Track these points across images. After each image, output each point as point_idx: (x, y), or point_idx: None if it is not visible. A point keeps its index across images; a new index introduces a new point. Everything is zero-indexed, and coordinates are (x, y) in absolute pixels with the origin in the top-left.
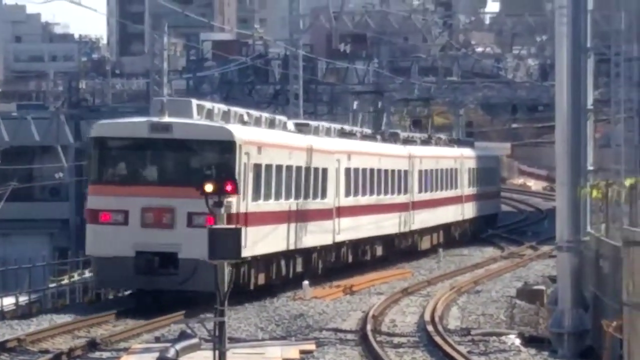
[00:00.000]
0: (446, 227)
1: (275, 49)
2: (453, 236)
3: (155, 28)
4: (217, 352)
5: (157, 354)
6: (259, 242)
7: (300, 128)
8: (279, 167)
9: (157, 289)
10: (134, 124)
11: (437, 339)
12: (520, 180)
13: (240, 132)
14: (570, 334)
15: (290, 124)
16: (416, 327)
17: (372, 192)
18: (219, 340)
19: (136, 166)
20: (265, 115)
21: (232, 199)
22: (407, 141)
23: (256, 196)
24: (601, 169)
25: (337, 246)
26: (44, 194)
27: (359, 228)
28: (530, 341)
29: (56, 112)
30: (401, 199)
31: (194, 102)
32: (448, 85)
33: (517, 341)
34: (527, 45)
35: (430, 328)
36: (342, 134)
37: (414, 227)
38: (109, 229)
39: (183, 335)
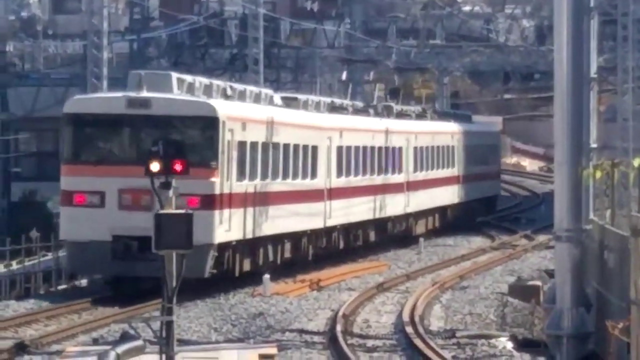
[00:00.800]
0: (442, 210)
1: (232, 7)
2: (449, 220)
3: None
4: (163, 356)
5: (94, 358)
6: (244, 224)
7: (288, 102)
8: (265, 145)
9: (135, 275)
10: (110, 99)
11: (418, 341)
12: (513, 160)
13: (223, 108)
14: (569, 336)
15: (277, 98)
16: (393, 328)
17: (365, 172)
18: (166, 343)
19: (113, 144)
20: (250, 88)
21: (216, 179)
22: (401, 115)
23: (241, 176)
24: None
25: (328, 231)
26: None
27: (351, 211)
28: (524, 345)
29: None
30: (397, 178)
31: (174, 75)
32: (431, 49)
33: (509, 345)
34: (521, 3)
35: (409, 329)
36: (333, 108)
37: (409, 209)
38: (84, 211)
39: (125, 337)
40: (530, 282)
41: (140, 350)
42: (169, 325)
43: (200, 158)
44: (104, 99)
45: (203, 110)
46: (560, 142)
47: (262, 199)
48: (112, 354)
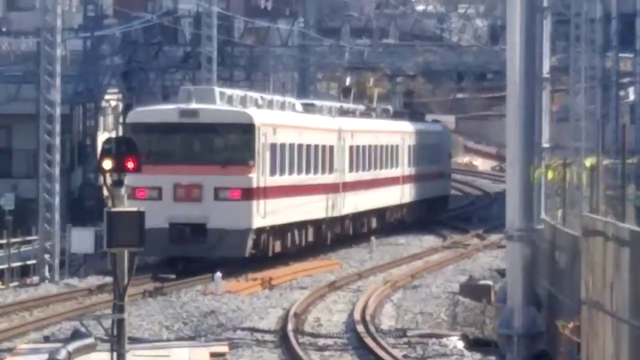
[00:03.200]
0: (382, 212)
1: (185, 4)
2: (389, 222)
3: None
4: (114, 353)
5: (46, 356)
6: (275, 213)
7: (307, 108)
8: (291, 146)
9: (188, 255)
10: (165, 111)
11: (368, 340)
12: (465, 159)
13: (258, 116)
14: (520, 336)
15: (298, 105)
16: (344, 327)
17: (370, 168)
18: (117, 341)
19: (168, 148)
20: (276, 98)
21: (253, 175)
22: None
23: (273, 172)
24: (558, 147)
25: (342, 218)
26: None
27: (359, 201)
28: (474, 344)
29: None
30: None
31: (217, 89)
32: (384, 48)
33: (460, 344)
34: (474, 3)
35: (360, 328)
36: (342, 112)
37: (345, 211)
38: (145, 204)
39: (76, 335)
40: (482, 282)
41: (91, 348)
42: (120, 323)
43: (240, 157)
44: (160, 110)
45: (242, 118)
46: (512, 141)
47: (290, 191)
48: (63, 352)
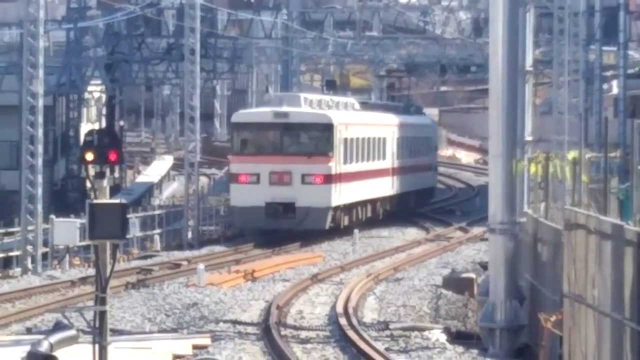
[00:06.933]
0: (372, 203)
1: None
2: (378, 213)
3: None
4: (97, 345)
5: (28, 347)
6: (346, 193)
7: (363, 105)
8: (358, 140)
9: (280, 228)
10: (263, 113)
11: (351, 333)
12: (448, 152)
13: (335, 116)
14: (503, 329)
15: (357, 104)
16: (327, 320)
17: (411, 156)
18: (99, 333)
19: (264, 142)
20: (342, 99)
21: (332, 164)
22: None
23: (345, 161)
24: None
25: (392, 197)
26: None
27: (403, 183)
28: (457, 337)
29: None
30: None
31: (302, 95)
32: (367, 41)
33: (443, 337)
34: None
35: (342, 321)
36: (391, 109)
37: (393, 191)
38: (247, 187)
39: (58, 326)
40: (464, 275)
41: (73, 340)
42: (102, 315)
43: (321, 150)
44: (258, 112)
45: (323, 119)
46: (495, 134)
47: (356, 176)
48: (45, 343)
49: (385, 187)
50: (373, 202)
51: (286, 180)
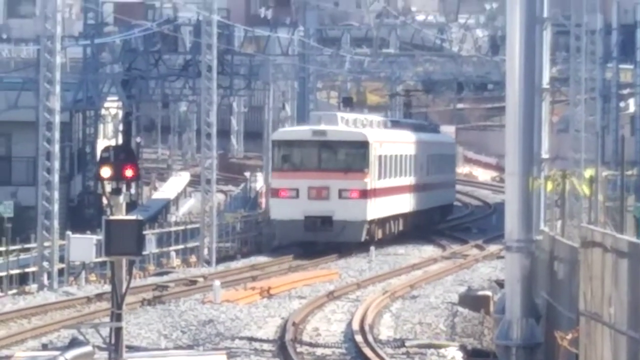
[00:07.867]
0: (404, 217)
1: (185, 13)
2: (408, 227)
3: None
4: None
5: None
6: (380, 208)
7: (394, 124)
8: (391, 157)
9: (318, 240)
10: (302, 131)
11: (367, 350)
12: (465, 169)
13: (370, 134)
14: (519, 347)
15: (388, 122)
16: (343, 337)
17: (435, 173)
18: (115, 349)
19: (303, 159)
20: (375, 118)
21: (367, 179)
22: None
23: (380, 177)
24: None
25: (418, 213)
26: None
27: (430, 199)
28: (473, 355)
29: None
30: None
31: (339, 114)
32: (384, 58)
33: (459, 355)
34: (475, 13)
35: (358, 338)
36: (418, 127)
37: (421, 207)
38: (286, 201)
39: (74, 342)
40: (481, 292)
41: (89, 356)
42: (118, 331)
43: (358, 166)
44: (298, 130)
45: (359, 137)
46: (511, 152)
47: (389, 191)
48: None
49: (415, 202)
50: (404, 216)
51: (324, 195)
